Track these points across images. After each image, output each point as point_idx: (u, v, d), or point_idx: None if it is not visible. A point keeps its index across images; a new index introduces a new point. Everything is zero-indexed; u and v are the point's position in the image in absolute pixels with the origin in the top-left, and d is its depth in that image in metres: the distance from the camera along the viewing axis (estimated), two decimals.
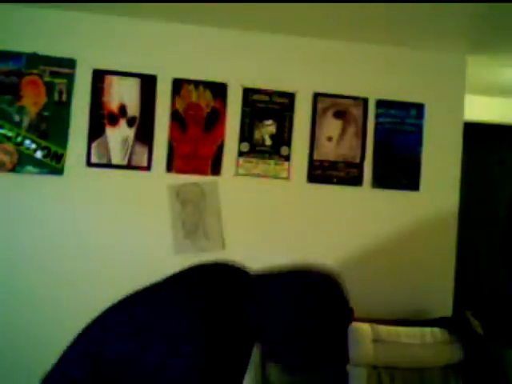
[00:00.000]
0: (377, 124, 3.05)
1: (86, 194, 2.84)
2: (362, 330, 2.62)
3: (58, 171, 2.82)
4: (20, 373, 2.68)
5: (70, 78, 2.85)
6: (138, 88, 2.89)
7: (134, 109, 2.89)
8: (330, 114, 3.02)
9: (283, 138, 2.98)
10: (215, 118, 2.94)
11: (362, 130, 3.03)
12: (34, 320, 2.76)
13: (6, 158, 2.79)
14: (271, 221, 2.94)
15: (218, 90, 2.94)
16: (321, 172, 3.00)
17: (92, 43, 2.86)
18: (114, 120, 2.87)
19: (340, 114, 3.03)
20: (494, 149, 4.16)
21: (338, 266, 2.95)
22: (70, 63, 2.85)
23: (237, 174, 2.94)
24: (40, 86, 2.82)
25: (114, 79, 2.88)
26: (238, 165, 2.94)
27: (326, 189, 2.99)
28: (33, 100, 2.82)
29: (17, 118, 2.80)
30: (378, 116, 3.05)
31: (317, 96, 3.01)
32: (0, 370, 2.72)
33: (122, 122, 2.87)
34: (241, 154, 2.95)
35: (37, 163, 2.80)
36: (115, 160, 2.86)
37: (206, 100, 2.93)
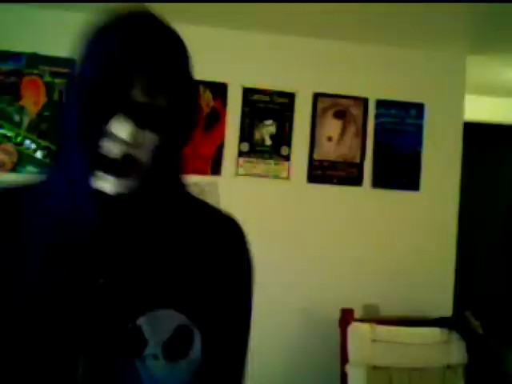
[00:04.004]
0: (377, 124, 3.05)
1: None
2: (361, 330, 2.62)
3: None
4: None
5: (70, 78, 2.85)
6: None
7: None
8: (329, 114, 3.02)
9: (283, 138, 2.98)
10: (215, 118, 2.94)
11: (362, 130, 3.03)
12: None
13: (6, 158, 2.79)
14: (271, 221, 2.94)
15: (218, 90, 2.94)
16: (321, 172, 2.99)
17: None
18: None
19: (340, 114, 3.03)
20: (494, 149, 4.16)
21: (338, 266, 2.95)
22: (70, 63, 2.84)
23: (237, 174, 2.94)
24: (40, 86, 2.82)
25: None
26: (238, 165, 2.94)
27: (325, 189, 2.99)
28: (33, 100, 2.82)
29: (17, 117, 2.81)
30: (377, 116, 3.05)
31: (317, 96, 3.01)
32: None
33: None
34: (241, 154, 2.95)
35: (37, 163, 2.80)
36: None
37: (205, 100, 2.93)
